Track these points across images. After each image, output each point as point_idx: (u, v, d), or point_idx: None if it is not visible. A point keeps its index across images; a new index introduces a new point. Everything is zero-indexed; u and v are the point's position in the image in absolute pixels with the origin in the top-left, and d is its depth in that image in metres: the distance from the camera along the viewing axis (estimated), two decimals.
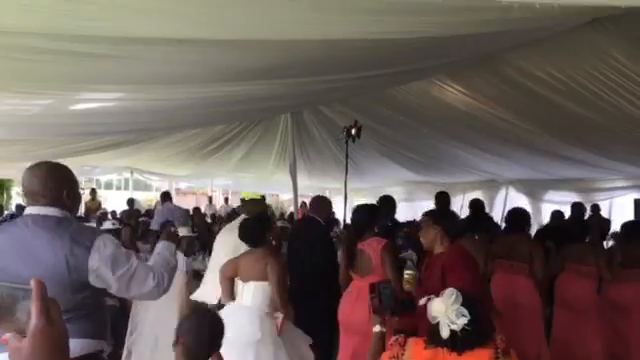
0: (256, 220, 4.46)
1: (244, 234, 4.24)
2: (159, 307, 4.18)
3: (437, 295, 2.93)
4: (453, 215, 4.38)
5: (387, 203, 6.08)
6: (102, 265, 2.40)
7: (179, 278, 5.70)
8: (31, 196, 2.50)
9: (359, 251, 4.44)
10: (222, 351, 2.57)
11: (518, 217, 5.50)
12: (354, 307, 4.32)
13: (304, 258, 5.15)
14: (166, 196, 10.80)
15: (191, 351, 2.46)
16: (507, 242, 5.29)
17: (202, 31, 3.23)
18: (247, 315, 3.97)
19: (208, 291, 5.04)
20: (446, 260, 3.66)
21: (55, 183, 2.50)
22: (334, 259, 5.49)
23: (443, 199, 6.97)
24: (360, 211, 4.65)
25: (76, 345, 2.24)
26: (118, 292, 2.49)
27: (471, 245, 5.12)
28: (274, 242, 4.35)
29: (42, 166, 2.56)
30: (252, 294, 4.04)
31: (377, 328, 2.98)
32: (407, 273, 3.77)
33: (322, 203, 5.66)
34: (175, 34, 3.20)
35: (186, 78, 4.41)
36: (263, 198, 17.01)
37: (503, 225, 6.84)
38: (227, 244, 5.06)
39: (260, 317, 3.95)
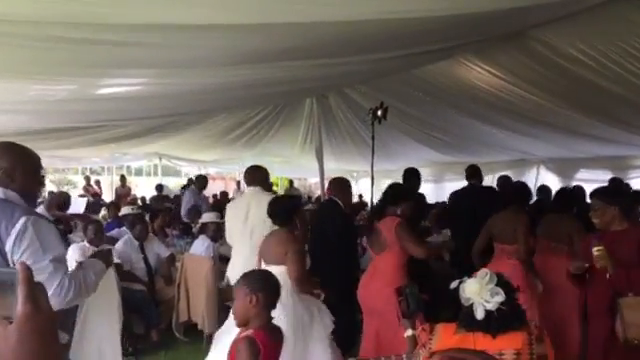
0: (286, 199, 4.43)
1: (272, 211, 4.19)
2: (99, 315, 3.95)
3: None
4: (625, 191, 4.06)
5: (412, 176, 6.10)
6: (17, 246, 2.31)
7: (205, 264, 5.76)
8: None
9: (376, 229, 4.55)
10: None
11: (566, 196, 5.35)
12: (368, 283, 4.47)
13: (324, 241, 5.14)
14: (191, 182, 11.44)
15: (268, 302, 2.74)
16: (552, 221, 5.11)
17: (223, 16, 3.19)
18: None
19: (235, 273, 5.02)
20: None
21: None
22: (353, 242, 5.53)
23: (475, 173, 6.79)
24: (387, 190, 4.71)
25: None
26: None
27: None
28: (299, 226, 4.24)
29: None
30: None
31: (409, 332, 2.91)
32: (597, 249, 3.55)
33: (342, 185, 5.50)
34: (196, 20, 3.17)
35: (209, 62, 4.39)
36: (291, 182, 17.09)
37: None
38: (237, 218, 4.95)
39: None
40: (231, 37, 3.63)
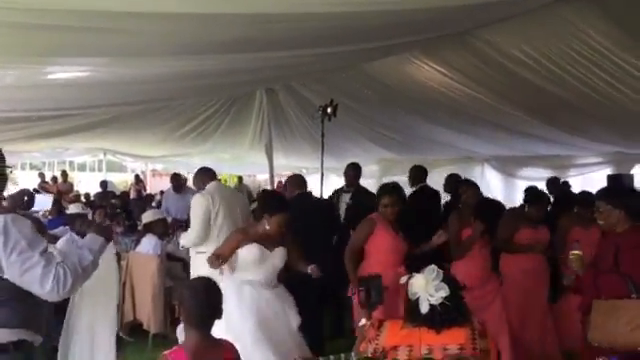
0: (270, 198, 4.46)
1: (258, 199, 4.35)
2: (95, 295, 3.90)
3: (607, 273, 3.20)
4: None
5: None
6: (4, 245, 2.28)
7: (151, 262, 5.65)
8: None
9: None
10: None
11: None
12: None
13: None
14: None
15: (189, 318, 2.47)
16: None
17: (172, 4, 3.15)
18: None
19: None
20: (623, 240, 3.51)
21: None
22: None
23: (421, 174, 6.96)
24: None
25: None
26: (11, 278, 2.31)
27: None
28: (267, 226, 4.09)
29: None
30: None
31: (362, 322, 2.94)
32: (573, 253, 3.72)
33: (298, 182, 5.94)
34: (143, 8, 3.13)
35: (155, 51, 4.35)
36: (240, 179, 16.97)
37: None
38: (230, 208, 5.18)
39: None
40: (178, 25, 3.60)
